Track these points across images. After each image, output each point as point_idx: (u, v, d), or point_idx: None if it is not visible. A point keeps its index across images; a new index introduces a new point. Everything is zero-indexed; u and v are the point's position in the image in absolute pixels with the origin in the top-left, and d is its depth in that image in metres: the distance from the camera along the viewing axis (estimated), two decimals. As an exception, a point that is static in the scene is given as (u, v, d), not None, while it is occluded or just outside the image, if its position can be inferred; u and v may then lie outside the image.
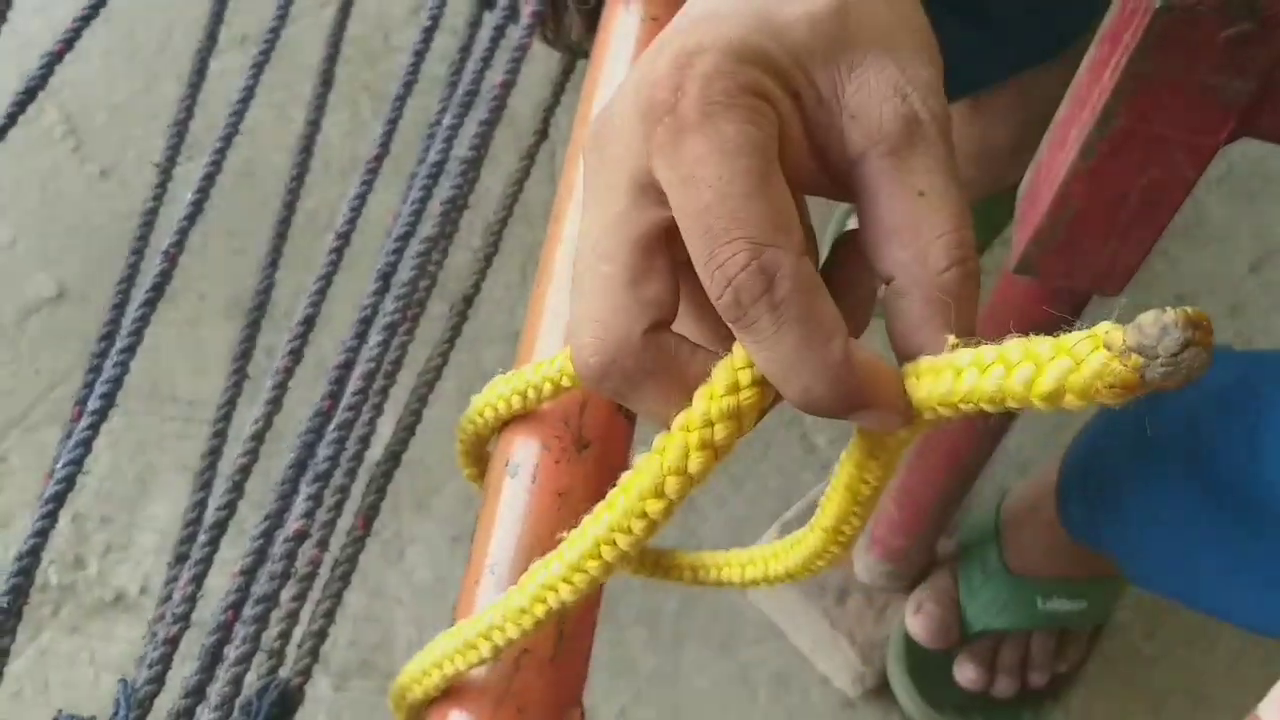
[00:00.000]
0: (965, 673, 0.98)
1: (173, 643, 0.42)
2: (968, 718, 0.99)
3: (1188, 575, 0.74)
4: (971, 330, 0.31)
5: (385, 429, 0.57)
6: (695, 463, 0.31)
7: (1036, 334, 0.55)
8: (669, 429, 0.32)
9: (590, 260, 0.32)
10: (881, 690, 1.02)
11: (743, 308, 0.29)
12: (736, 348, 0.31)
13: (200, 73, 0.60)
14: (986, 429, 0.81)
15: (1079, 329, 0.28)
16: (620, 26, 0.58)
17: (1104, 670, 1.03)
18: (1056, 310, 0.68)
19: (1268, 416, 0.63)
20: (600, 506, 0.34)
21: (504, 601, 0.38)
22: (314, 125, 0.59)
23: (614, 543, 0.33)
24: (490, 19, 0.62)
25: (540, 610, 0.36)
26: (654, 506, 0.32)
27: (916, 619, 0.98)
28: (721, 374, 0.31)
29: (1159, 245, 0.61)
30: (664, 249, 0.31)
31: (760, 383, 0.31)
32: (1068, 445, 0.89)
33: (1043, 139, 0.63)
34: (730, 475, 1.12)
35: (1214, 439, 0.68)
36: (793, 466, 1.13)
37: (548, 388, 0.43)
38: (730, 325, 0.30)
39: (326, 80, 0.61)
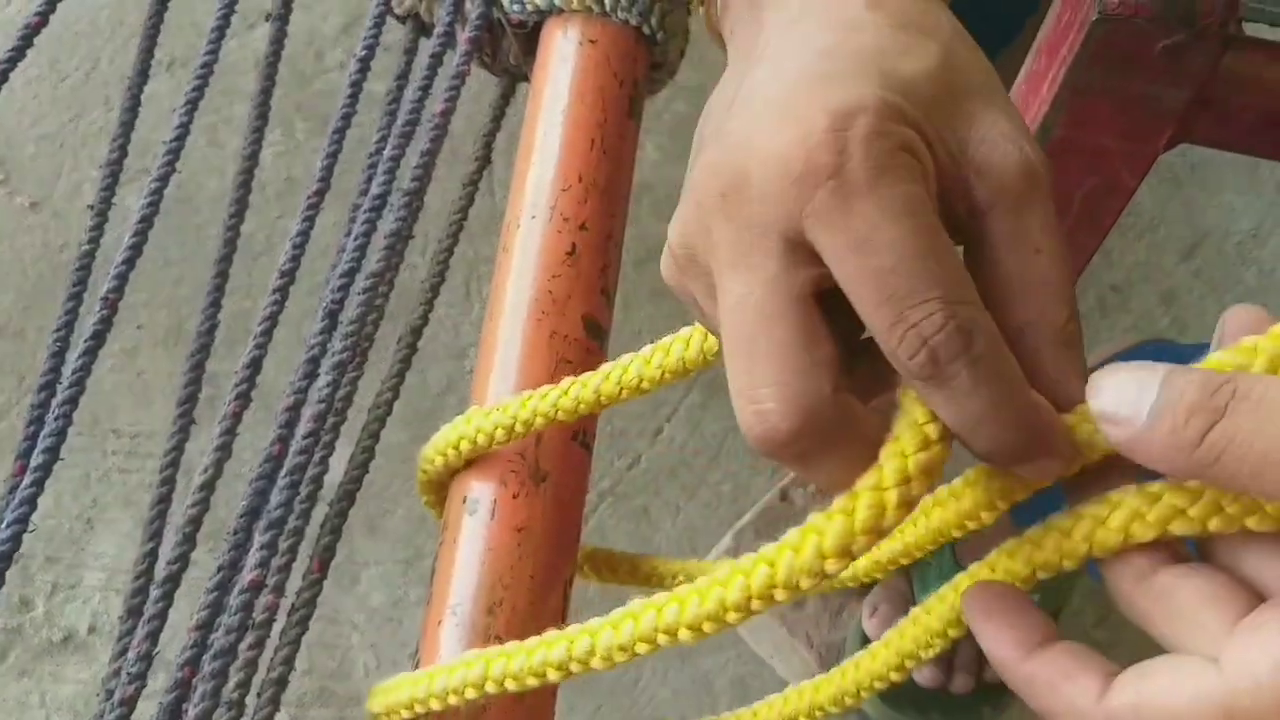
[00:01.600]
0: (922, 672, 0.98)
1: (129, 703, 0.41)
2: (927, 715, 1.00)
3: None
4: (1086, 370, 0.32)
5: (338, 464, 0.56)
6: (892, 519, 0.31)
7: None
8: (847, 489, 0.31)
9: (757, 322, 0.31)
10: (841, 692, 1.03)
11: (939, 365, 0.29)
12: (913, 404, 0.31)
13: (133, 109, 0.59)
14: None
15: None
16: (559, 51, 0.58)
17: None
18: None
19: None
20: (754, 559, 0.33)
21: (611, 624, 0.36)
22: (251, 159, 0.58)
23: (771, 597, 0.32)
24: (427, 46, 0.61)
25: (648, 646, 0.35)
26: (834, 565, 0.31)
27: (872, 620, 0.99)
28: (909, 431, 0.31)
29: (1097, 245, 0.62)
30: (820, 310, 0.31)
31: (948, 436, 0.31)
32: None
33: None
34: (682, 484, 1.12)
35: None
36: (744, 474, 1.13)
37: (500, 434, 0.42)
38: (918, 384, 0.30)
39: (262, 112, 0.60)
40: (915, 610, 0.39)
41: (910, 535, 0.40)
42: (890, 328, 0.29)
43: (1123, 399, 0.28)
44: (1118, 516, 0.31)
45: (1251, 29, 0.55)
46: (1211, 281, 1.22)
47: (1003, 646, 0.31)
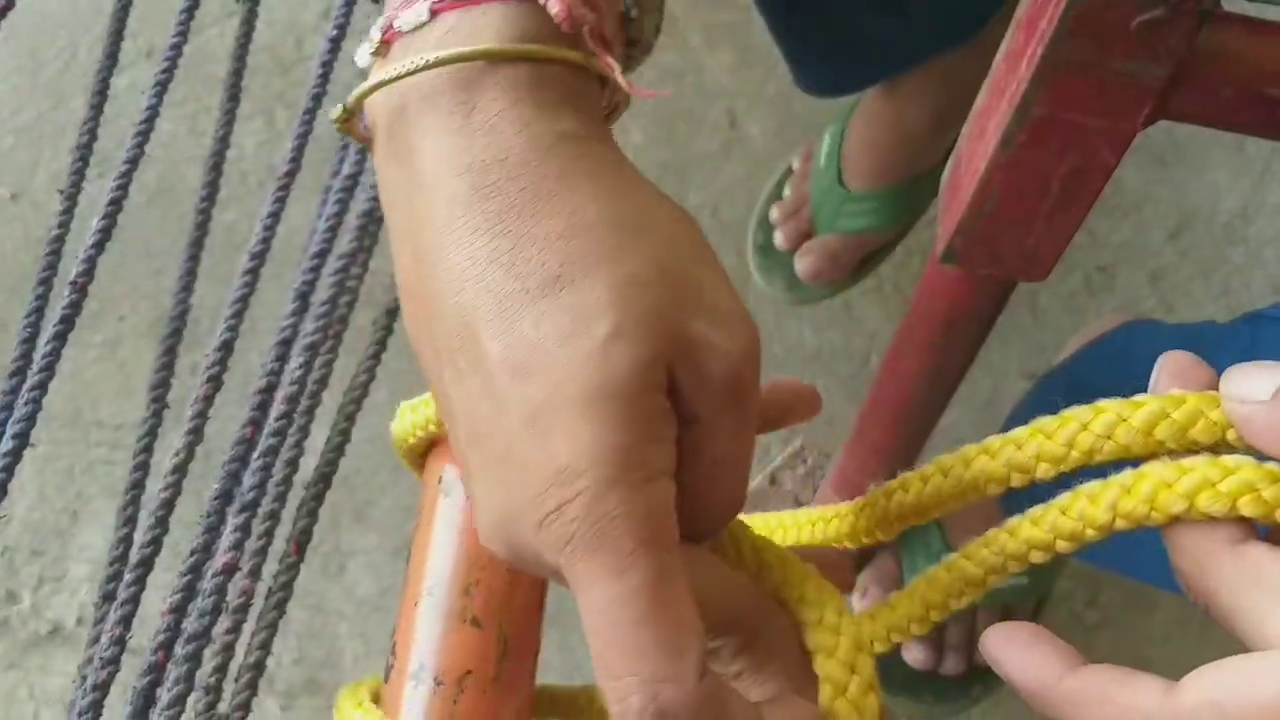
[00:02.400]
0: (913, 653, 0.98)
1: (102, 688, 0.41)
2: (918, 696, 1.00)
3: (1125, 546, 0.75)
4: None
5: (315, 448, 0.55)
6: None
7: (960, 322, 0.56)
8: None
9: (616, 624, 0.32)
10: (831, 675, 1.03)
11: None
12: None
13: (102, 92, 0.58)
14: (920, 412, 0.82)
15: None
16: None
17: (1047, 642, 1.04)
18: (983, 297, 0.68)
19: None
20: None
21: None
22: (223, 141, 0.57)
23: None
24: (401, 26, 0.61)
25: None
26: None
27: (862, 602, 0.99)
28: None
29: (1080, 222, 0.61)
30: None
31: None
32: (1001, 423, 0.90)
33: (962, 128, 0.63)
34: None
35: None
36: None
37: None
38: None
39: (234, 94, 0.59)
40: (900, 593, 0.39)
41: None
42: (607, 689, 0.30)
43: (1252, 387, 0.31)
44: (1188, 480, 0.31)
45: (1229, 4, 0.55)
46: (1199, 261, 1.21)
47: (1035, 670, 0.31)
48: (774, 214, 1.13)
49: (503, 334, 0.31)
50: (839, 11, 0.94)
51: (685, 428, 0.32)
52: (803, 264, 1.10)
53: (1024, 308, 1.17)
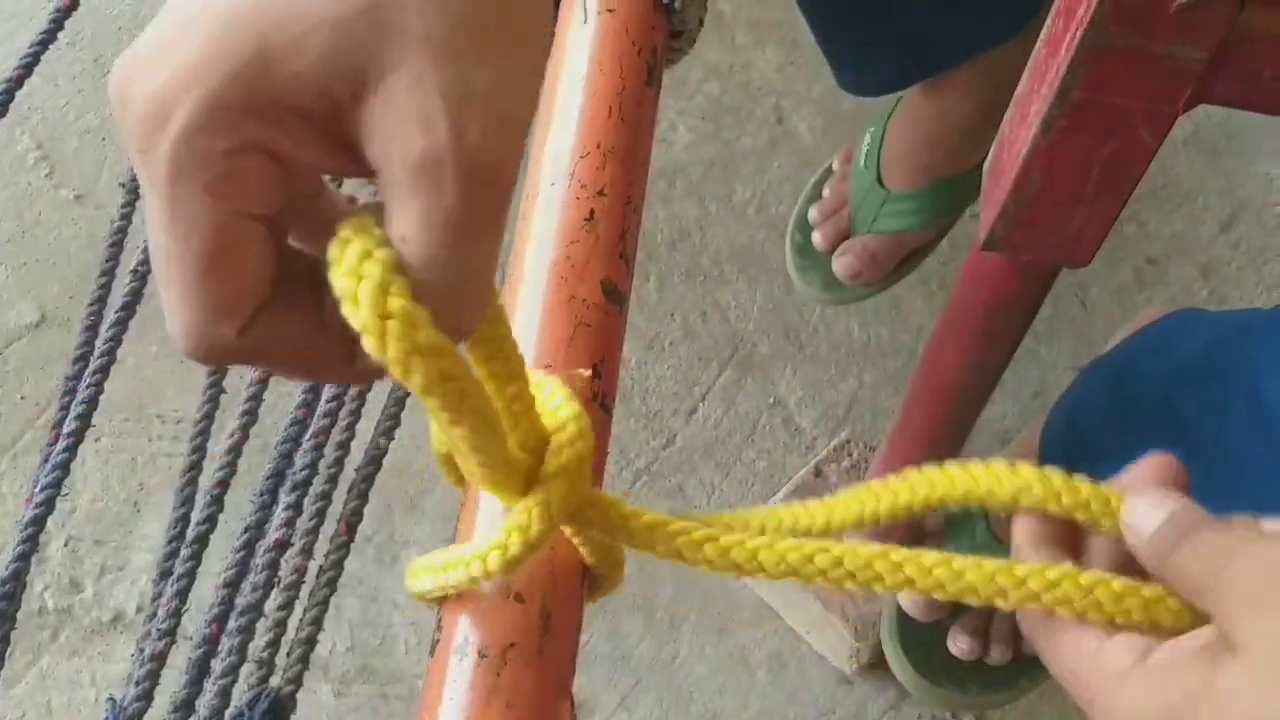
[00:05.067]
0: (959, 643, 0.98)
1: (159, 659, 0.42)
2: (964, 687, 1.00)
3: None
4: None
5: (366, 434, 0.57)
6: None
7: (1003, 311, 0.57)
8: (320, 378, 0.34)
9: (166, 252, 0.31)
10: (877, 665, 1.03)
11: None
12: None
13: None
14: (964, 402, 0.82)
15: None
16: (576, 20, 0.58)
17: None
18: (1026, 284, 0.68)
19: (1238, 385, 0.64)
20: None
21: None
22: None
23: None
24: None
25: None
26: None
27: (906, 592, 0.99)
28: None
29: (1128, 209, 0.61)
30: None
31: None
32: (1047, 414, 0.90)
33: (1004, 117, 0.63)
34: (717, 462, 1.13)
35: (1189, 406, 0.69)
36: (779, 451, 1.13)
37: None
38: None
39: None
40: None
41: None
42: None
43: (1139, 518, 0.37)
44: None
45: (1272, -15, 0.54)
46: (1250, 253, 1.20)
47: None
48: (813, 214, 1.13)
49: None
50: (880, 10, 0.94)
51: (381, 184, 0.29)
52: (841, 264, 1.10)
53: (1073, 300, 1.17)
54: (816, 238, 1.12)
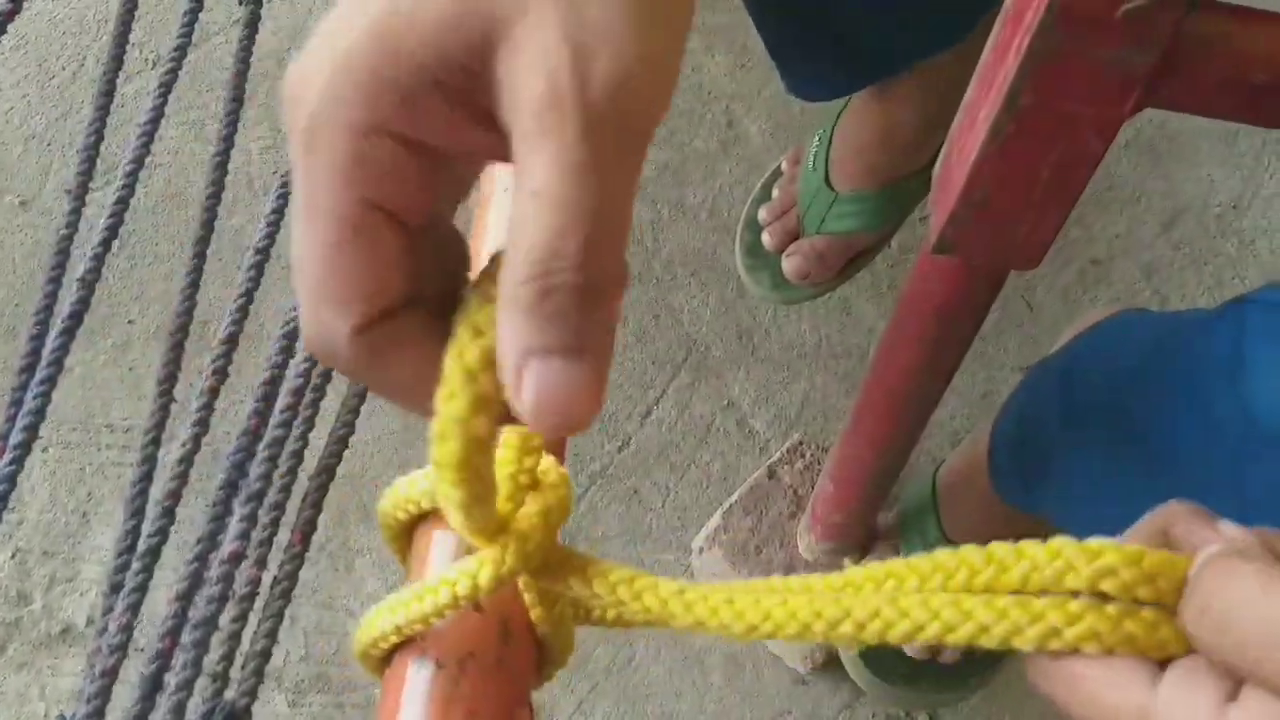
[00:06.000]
0: (912, 644, 0.99)
1: (111, 674, 0.42)
2: (916, 686, 1.01)
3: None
4: (558, 346, 0.28)
5: (319, 443, 0.56)
6: (474, 424, 0.31)
7: (952, 313, 0.56)
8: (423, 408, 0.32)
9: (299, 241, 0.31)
10: (832, 665, 1.04)
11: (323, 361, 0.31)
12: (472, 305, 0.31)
13: (108, 94, 0.59)
14: (915, 404, 0.83)
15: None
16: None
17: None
18: (975, 286, 0.69)
19: (1182, 383, 0.65)
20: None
21: None
22: (228, 141, 0.59)
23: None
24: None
25: None
26: (460, 493, 0.34)
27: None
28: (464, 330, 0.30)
29: (1073, 212, 0.62)
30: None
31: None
32: (995, 415, 0.91)
33: (953, 122, 0.64)
34: (672, 465, 1.13)
35: (1134, 404, 0.70)
36: (733, 453, 1.14)
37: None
38: None
39: (237, 96, 0.60)
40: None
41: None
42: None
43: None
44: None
45: (1214, -8, 0.55)
46: (1192, 254, 1.22)
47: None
48: (762, 214, 1.14)
49: None
50: (826, 19, 0.95)
51: (513, 144, 0.28)
52: (790, 264, 1.11)
53: (1020, 301, 1.18)
54: (766, 238, 1.13)
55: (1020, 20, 0.55)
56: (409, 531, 0.46)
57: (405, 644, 0.42)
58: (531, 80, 0.27)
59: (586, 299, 0.28)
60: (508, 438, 0.37)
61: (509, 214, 0.28)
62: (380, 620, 0.40)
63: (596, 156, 0.27)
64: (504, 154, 0.29)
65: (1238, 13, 0.56)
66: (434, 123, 0.28)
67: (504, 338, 0.28)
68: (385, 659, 0.43)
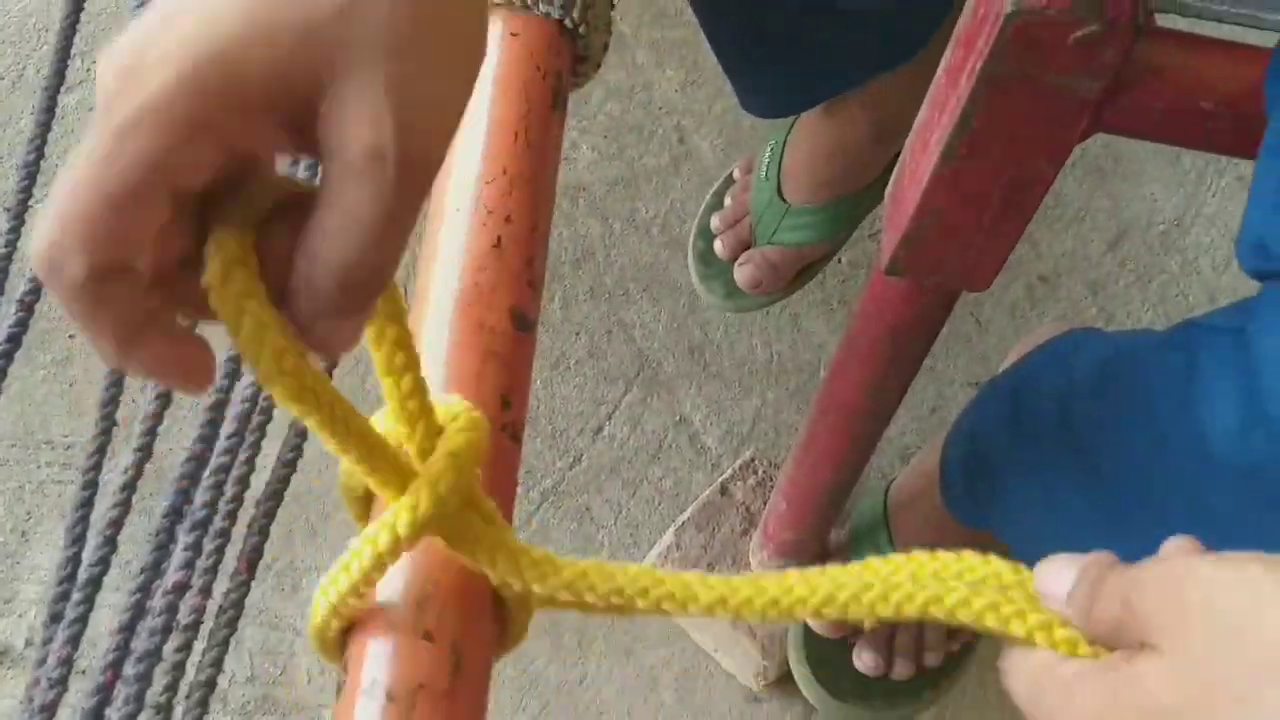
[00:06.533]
0: (864, 659, 0.99)
1: (49, 709, 0.41)
2: (869, 701, 1.01)
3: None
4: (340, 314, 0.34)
5: (266, 465, 0.55)
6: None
7: (905, 332, 0.56)
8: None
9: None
10: (784, 682, 1.04)
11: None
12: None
13: (50, 109, 0.58)
14: (868, 421, 0.83)
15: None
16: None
17: (995, 645, 1.05)
18: (928, 306, 0.69)
19: (1132, 404, 0.65)
20: None
21: None
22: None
23: None
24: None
25: None
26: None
27: (814, 612, 1.00)
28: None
29: (1021, 232, 0.63)
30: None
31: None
32: (945, 434, 0.91)
33: (904, 143, 0.64)
34: (624, 481, 1.13)
35: (1085, 425, 0.71)
36: (685, 469, 1.13)
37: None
38: None
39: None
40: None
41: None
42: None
43: (1050, 583, 0.37)
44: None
45: (1162, 20, 0.56)
46: (1137, 271, 1.24)
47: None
48: (714, 223, 1.14)
49: None
50: (777, 38, 0.95)
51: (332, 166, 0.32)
52: (742, 274, 1.12)
53: (968, 317, 1.19)
54: (718, 246, 1.13)
55: (972, 45, 0.56)
56: (368, 499, 0.45)
57: (353, 670, 0.42)
58: (360, 129, 0.32)
59: (373, 294, 0.34)
60: (386, 384, 0.39)
61: (323, 221, 0.32)
62: (321, 601, 0.40)
63: (403, 197, 0.32)
64: (301, 155, 0.34)
65: (1185, 40, 0.57)
66: (258, 135, 0.32)
67: (301, 308, 0.33)
68: (342, 641, 0.42)
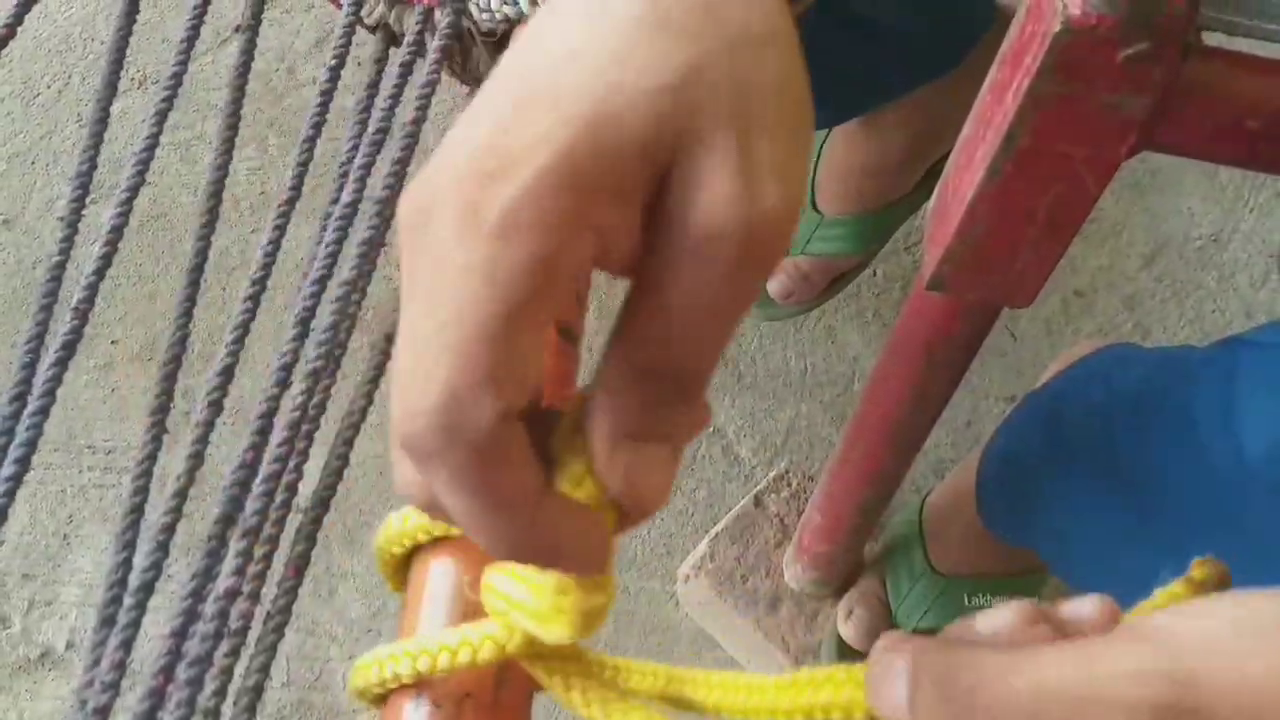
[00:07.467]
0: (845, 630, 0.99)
1: (103, 713, 0.41)
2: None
3: (1108, 573, 0.76)
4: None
5: (312, 472, 0.56)
6: None
7: (944, 347, 0.54)
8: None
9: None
10: None
11: (419, 456, 0.28)
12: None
13: (102, 120, 0.59)
14: (905, 436, 0.83)
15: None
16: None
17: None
18: (968, 322, 0.69)
19: (1172, 422, 0.65)
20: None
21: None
22: (222, 169, 0.58)
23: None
24: (396, 55, 0.61)
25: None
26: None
27: (848, 623, 1.00)
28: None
29: (1063, 249, 0.63)
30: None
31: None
32: (984, 444, 0.91)
33: (946, 158, 0.64)
34: (658, 492, 1.13)
35: (1123, 441, 0.70)
36: (719, 480, 1.14)
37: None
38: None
39: (233, 122, 0.60)
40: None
41: None
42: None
43: (884, 697, 0.29)
44: None
45: (1209, 39, 0.56)
46: (1173, 286, 1.23)
47: None
48: None
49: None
50: (818, 51, 0.96)
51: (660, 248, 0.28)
52: (774, 283, 1.12)
53: (1003, 331, 1.19)
54: None
55: (1019, 63, 0.56)
56: (406, 561, 0.46)
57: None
58: (702, 208, 0.27)
59: (705, 384, 0.30)
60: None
61: (664, 300, 0.28)
62: (380, 668, 0.40)
63: (738, 287, 0.28)
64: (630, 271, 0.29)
65: (1234, 59, 0.56)
66: (627, 220, 0.28)
67: (604, 420, 0.29)
68: (382, 695, 0.43)
